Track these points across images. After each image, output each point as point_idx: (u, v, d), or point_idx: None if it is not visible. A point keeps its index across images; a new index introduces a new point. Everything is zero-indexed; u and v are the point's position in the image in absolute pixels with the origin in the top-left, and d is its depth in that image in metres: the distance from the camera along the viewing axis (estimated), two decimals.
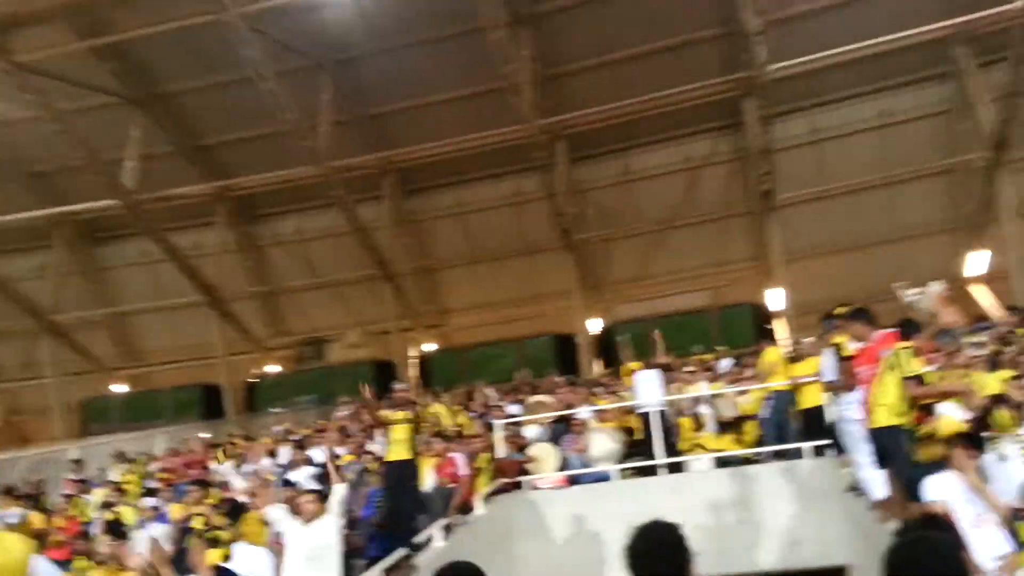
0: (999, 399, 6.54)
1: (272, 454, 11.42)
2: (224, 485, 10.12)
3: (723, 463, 10.32)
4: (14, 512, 10.09)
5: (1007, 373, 7.79)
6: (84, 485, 13.12)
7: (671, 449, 10.41)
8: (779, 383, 10.14)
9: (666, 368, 11.11)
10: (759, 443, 10.33)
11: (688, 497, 9.63)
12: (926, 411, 6.13)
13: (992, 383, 7.60)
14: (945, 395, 6.32)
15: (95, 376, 25.31)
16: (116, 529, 7.92)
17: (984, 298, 19.46)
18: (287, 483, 8.83)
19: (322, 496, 6.66)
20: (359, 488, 8.63)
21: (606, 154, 22.31)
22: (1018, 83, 17.15)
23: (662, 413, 10.43)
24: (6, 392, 25.65)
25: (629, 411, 11.23)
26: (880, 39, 17.84)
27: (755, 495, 9.57)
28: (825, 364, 8.20)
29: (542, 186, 21.03)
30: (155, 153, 21.67)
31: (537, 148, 20.07)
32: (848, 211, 20.79)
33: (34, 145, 21.44)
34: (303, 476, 9.01)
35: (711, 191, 21.86)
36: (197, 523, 6.62)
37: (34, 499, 11.64)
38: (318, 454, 10.20)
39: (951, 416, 6.34)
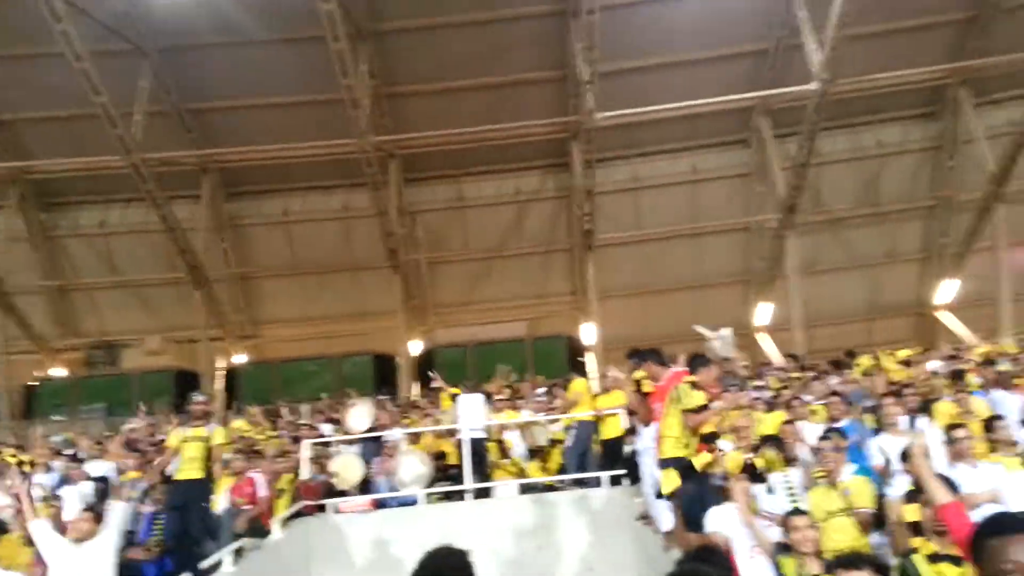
0: (771, 439, 7.24)
1: (47, 467, 10.31)
2: None
3: (528, 489, 10.59)
4: None
5: (782, 415, 8.62)
6: None
7: (483, 475, 10.56)
8: (584, 413, 10.60)
9: (488, 396, 11.27)
10: (562, 470, 10.71)
11: (492, 523, 9.77)
12: (709, 442, 6.60)
13: (768, 423, 8.40)
14: (718, 424, 6.86)
15: None
16: None
17: (768, 345, 21.52)
18: (57, 498, 8.02)
19: (97, 515, 6.11)
20: (142, 507, 8.00)
21: (439, 178, 22.52)
22: (807, 155, 19.25)
23: (479, 439, 10.56)
24: None
25: (443, 435, 11.28)
26: (694, 102, 19.41)
27: (555, 521, 9.88)
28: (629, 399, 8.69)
29: (373, 203, 20.79)
30: None
31: (370, 165, 19.85)
32: (658, 256, 22.32)
33: None
34: (78, 492, 8.22)
35: (537, 225, 22.65)
36: None
37: None
38: (98, 468, 9.35)
39: (733, 451, 6.90)
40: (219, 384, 22.00)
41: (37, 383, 22.13)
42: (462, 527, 9.70)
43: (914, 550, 4.61)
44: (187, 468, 7.35)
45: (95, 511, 6.21)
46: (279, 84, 19.88)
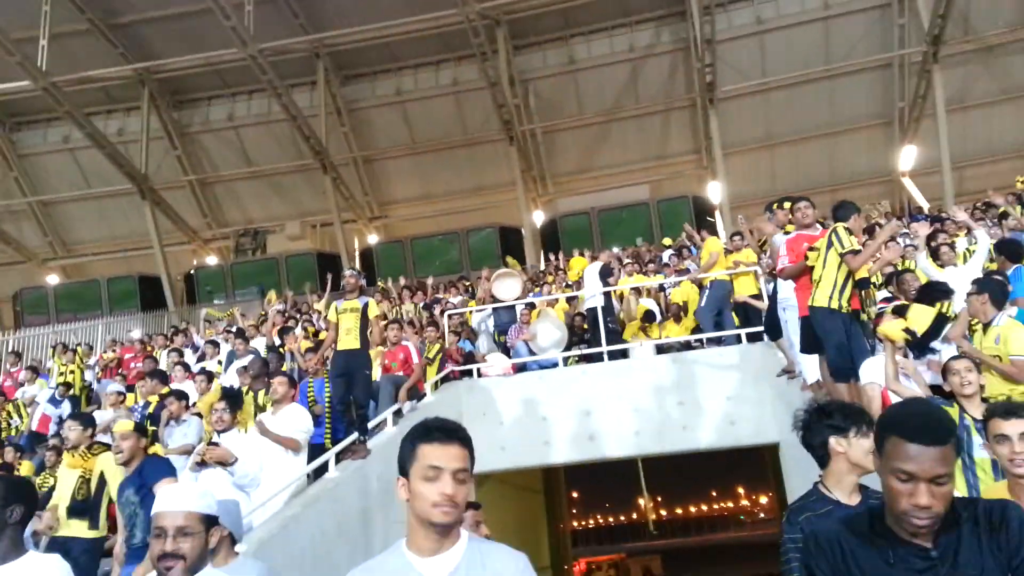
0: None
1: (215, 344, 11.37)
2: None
3: (663, 350, 10.73)
4: None
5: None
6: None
7: (616, 336, 10.77)
8: (718, 272, 10.47)
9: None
10: (697, 330, 10.74)
11: (630, 382, 10.04)
12: (863, 288, 6.33)
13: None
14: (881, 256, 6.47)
15: (27, 267, 24.38)
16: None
17: (914, 190, 20.23)
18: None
19: (291, 381, 6.80)
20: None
21: (548, 42, 21.84)
22: None
23: (607, 304, 10.71)
24: None
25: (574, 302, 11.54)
26: None
27: (694, 379, 10.02)
28: (775, 249, 8.38)
29: (482, 75, 20.48)
30: (69, 31, 20.20)
31: (476, 34, 19.39)
32: (787, 104, 21.03)
33: None
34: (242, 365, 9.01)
35: (654, 82, 21.72)
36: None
37: None
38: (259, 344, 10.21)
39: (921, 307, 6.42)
40: (357, 264, 23.09)
41: (196, 271, 23.94)
42: (602, 387, 10.05)
43: None
44: (345, 339, 7.80)
45: (289, 377, 6.92)
46: None
